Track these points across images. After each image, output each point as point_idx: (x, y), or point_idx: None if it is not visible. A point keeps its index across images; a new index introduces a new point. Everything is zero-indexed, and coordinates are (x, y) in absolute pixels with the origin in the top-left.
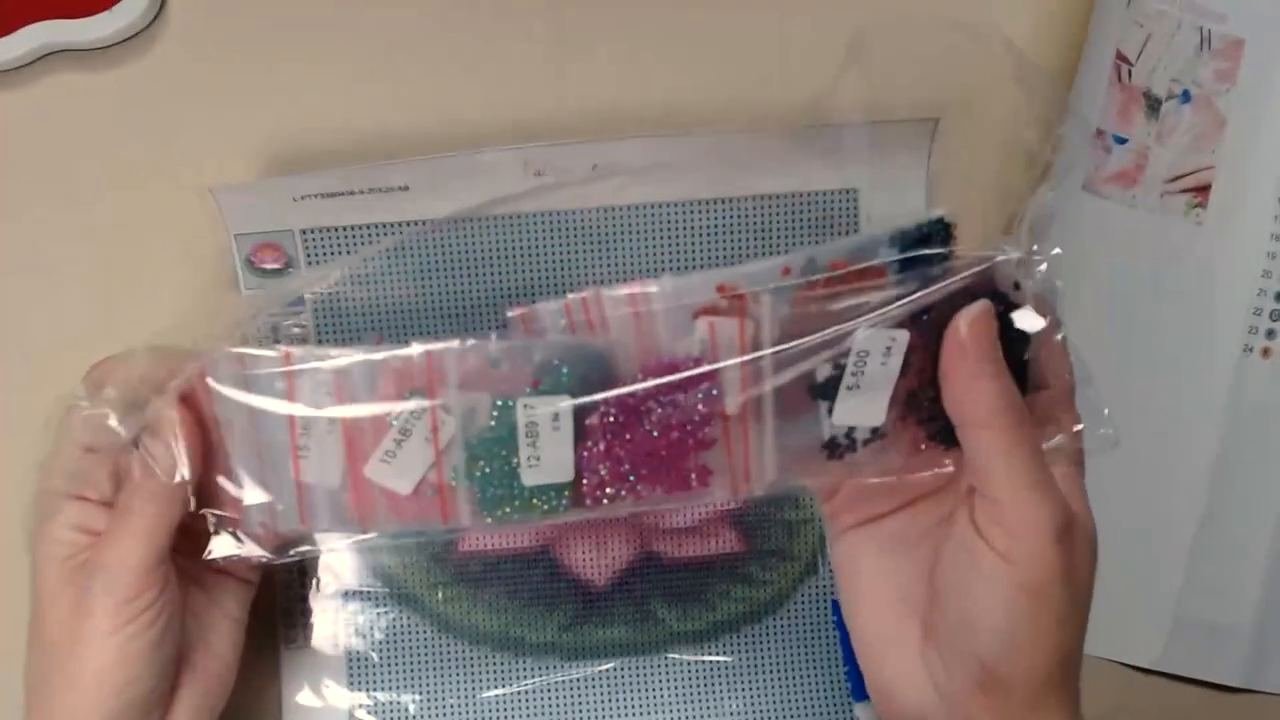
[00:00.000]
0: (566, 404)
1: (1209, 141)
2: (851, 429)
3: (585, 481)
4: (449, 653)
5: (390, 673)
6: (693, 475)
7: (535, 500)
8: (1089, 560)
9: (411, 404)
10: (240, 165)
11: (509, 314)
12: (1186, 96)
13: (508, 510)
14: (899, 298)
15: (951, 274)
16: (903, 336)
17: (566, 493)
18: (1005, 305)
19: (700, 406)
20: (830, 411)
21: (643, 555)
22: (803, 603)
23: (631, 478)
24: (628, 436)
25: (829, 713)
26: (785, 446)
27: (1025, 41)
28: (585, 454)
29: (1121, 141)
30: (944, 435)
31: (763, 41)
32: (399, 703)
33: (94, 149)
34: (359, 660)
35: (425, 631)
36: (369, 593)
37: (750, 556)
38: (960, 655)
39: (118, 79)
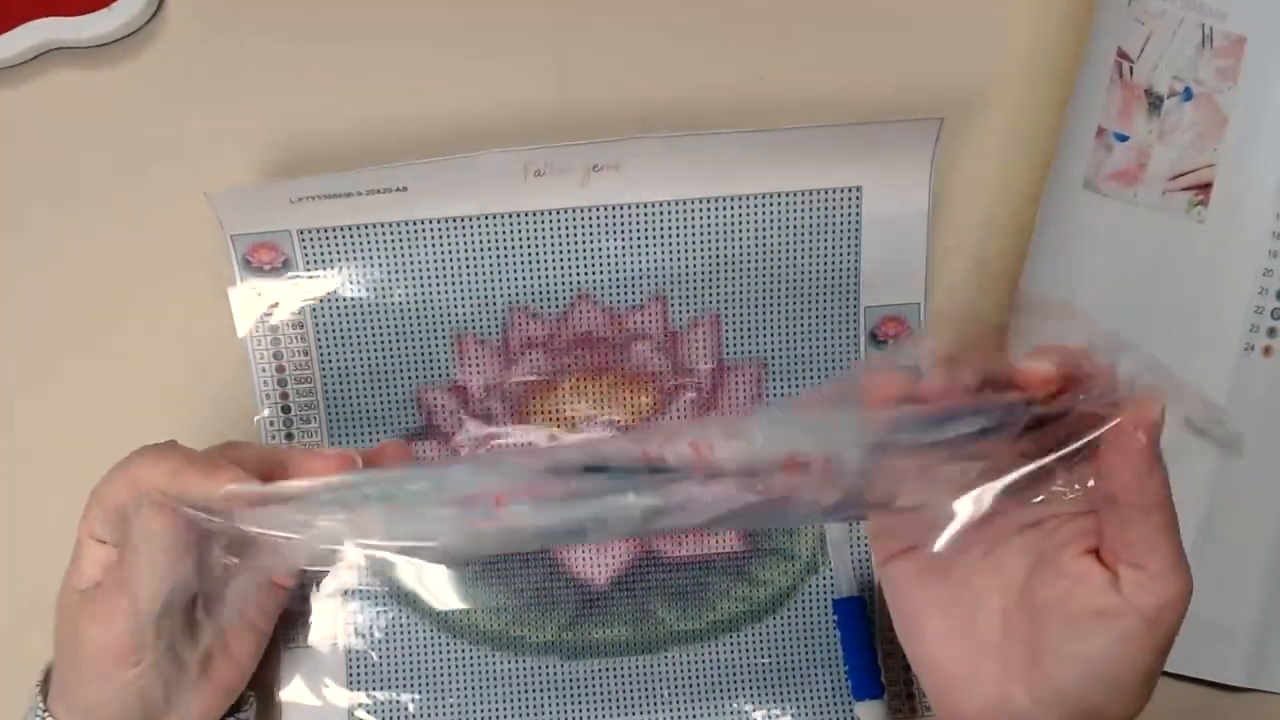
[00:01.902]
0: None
1: (1210, 139)
2: None
3: None
4: (449, 653)
5: (390, 672)
6: None
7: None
8: None
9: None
10: (238, 161)
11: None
12: (1188, 94)
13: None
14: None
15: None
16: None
17: None
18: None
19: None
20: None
21: (643, 554)
22: (803, 602)
23: None
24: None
25: (830, 712)
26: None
27: (1026, 39)
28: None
29: (1122, 139)
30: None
31: (764, 41)
32: (399, 702)
33: (92, 146)
34: (359, 660)
35: (425, 631)
36: (369, 592)
37: (750, 555)
38: (1069, 699)
39: (116, 76)
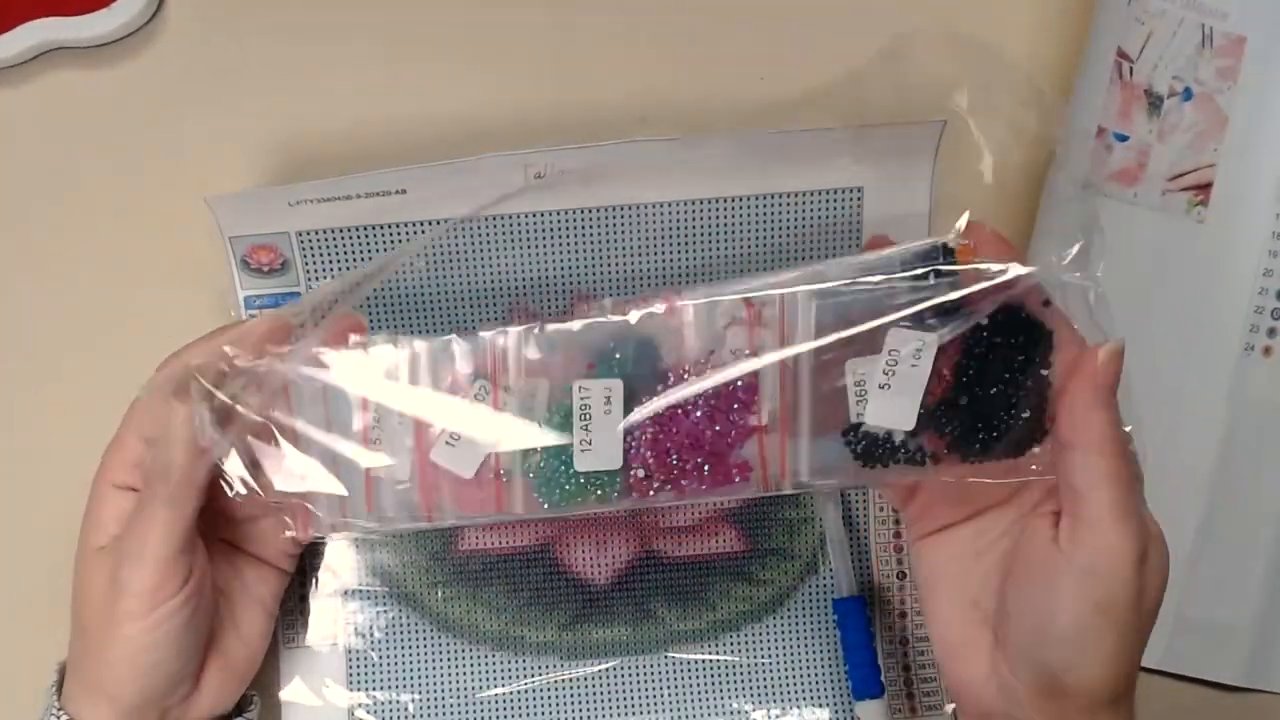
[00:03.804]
0: (617, 384)
1: (1210, 139)
2: (880, 434)
3: (633, 472)
4: (449, 652)
5: (390, 672)
6: (734, 470)
7: (588, 486)
8: (1160, 585)
9: (477, 386)
10: (238, 161)
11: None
12: (1188, 94)
13: (561, 495)
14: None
15: (969, 288)
16: (931, 339)
17: (617, 480)
18: (1029, 324)
19: (740, 395)
20: (858, 423)
21: (643, 554)
22: (803, 602)
23: (675, 472)
24: (674, 429)
25: (830, 712)
26: (819, 446)
27: (1026, 39)
28: (632, 444)
29: (1122, 139)
30: (961, 444)
31: (764, 42)
32: (398, 702)
33: (92, 146)
34: (359, 660)
35: (425, 631)
36: (369, 592)
37: (750, 555)
38: (1029, 662)
39: (116, 76)
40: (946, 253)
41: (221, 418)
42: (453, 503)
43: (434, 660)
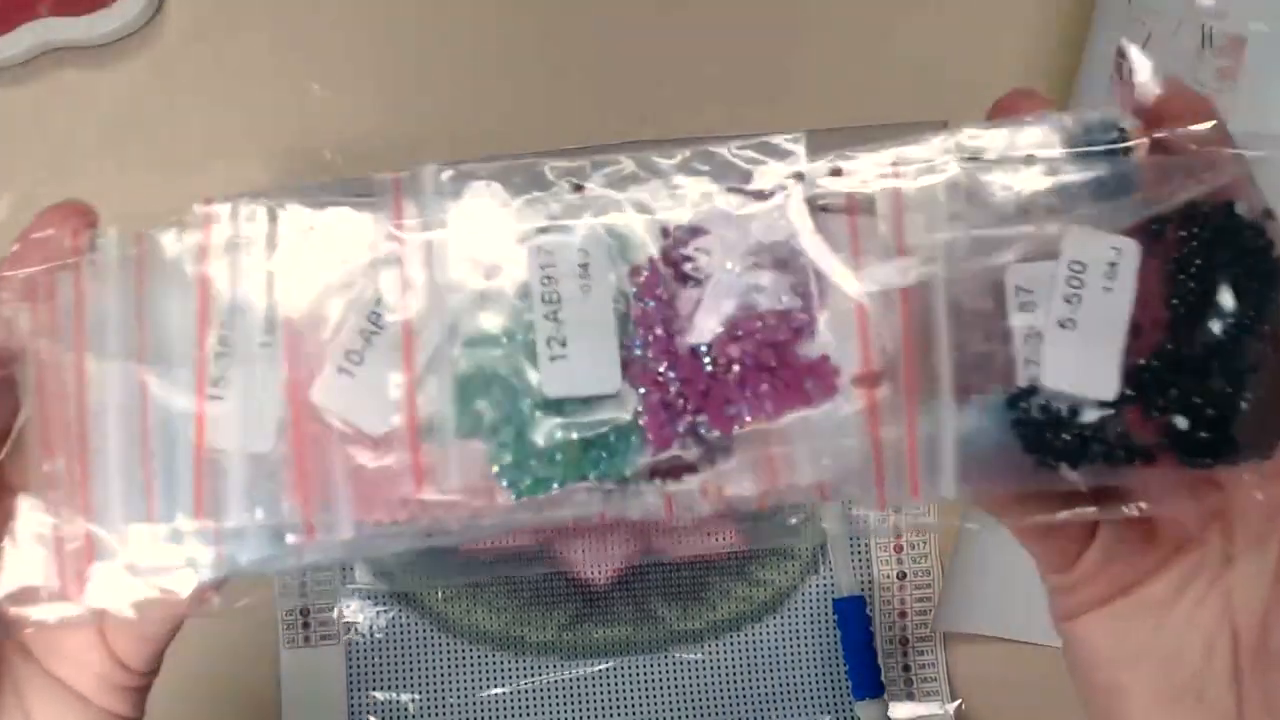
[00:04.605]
0: (601, 241)
1: None
2: (1061, 411)
3: (643, 400)
4: (449, 652)
5: (390, 672)
6: (808, 380)
7: (581, 451)
8: None
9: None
10: (237, 162)
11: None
12: None
13: (537, 472)
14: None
15: (1154, 178)
16: (1130, 245)
17: (622, 426)
18: (1246, 239)
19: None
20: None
21: (643, 554)
22: (803, 602)
23: (716, 393)
24: (695, 327)
25: (830, 712)
26: (964, 421)
27: (1027, 40)
28: (633, 352)
29: None
30: (1181, 437)
31: (766, 42)
32: (399, 702)
33: (92, 146)
34: (359, 660)
35: (425, 631)
36: (369, 592)
37: (750, 555)
38: None
39: (116, 76)
40: (1121, 137)
41: None
42: (346, 492)
43: (434, 660)
